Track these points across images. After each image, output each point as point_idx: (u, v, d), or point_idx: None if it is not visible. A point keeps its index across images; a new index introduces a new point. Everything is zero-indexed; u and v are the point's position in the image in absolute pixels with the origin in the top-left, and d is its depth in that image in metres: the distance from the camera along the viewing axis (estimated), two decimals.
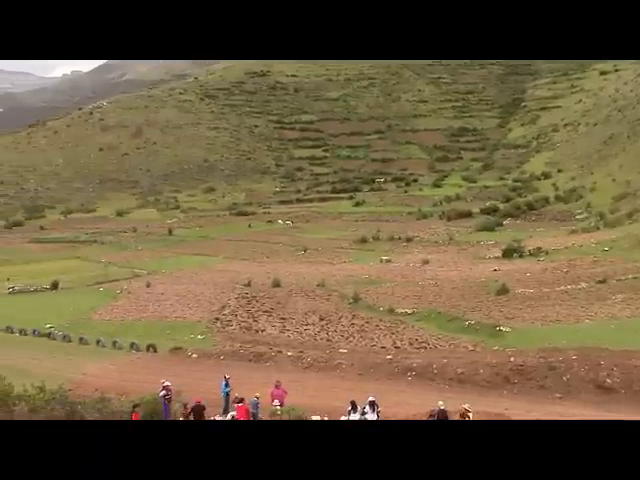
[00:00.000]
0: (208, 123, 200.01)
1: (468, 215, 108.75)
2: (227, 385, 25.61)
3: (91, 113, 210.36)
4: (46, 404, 12.39)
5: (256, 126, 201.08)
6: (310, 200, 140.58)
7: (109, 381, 33.11)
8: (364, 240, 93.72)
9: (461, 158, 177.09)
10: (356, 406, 23.94)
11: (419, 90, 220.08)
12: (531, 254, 71.44)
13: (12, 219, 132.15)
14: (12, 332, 48.04)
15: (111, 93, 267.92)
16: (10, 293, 63.81)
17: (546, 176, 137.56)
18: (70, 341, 45.09)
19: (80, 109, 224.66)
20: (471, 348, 38.76)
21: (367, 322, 46.78)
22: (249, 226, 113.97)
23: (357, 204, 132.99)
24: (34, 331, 47.40)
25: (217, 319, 49.51)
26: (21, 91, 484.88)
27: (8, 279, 69.57)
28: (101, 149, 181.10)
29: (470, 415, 16.65)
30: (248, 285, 61.40)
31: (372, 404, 23.88)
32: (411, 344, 40.89)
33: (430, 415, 17.76)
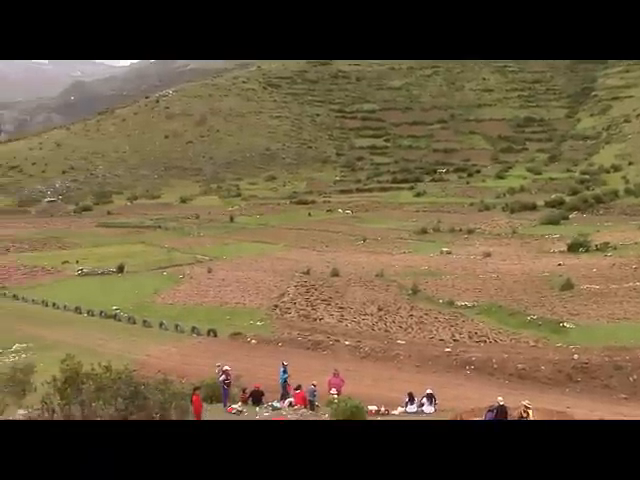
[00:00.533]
0: (270, 112, 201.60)
1: (532, 208, 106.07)
2: (285, 372, 25.91)
3: (157, 101, 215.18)
4: (112, 383, 12.80)
5: (317, 115, 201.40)
6: (370, 190, 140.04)
7: (171, 363, 34.02)
8: (424, 231, 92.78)
9: (526, 149, 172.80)
10: (413, 398, 23.85)
11: (484, 79, 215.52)
12: (598, 249, 69.11)
13: (82, 204, 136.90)
14: (81, 313, 49.95)
15: (177, 82, 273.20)
16: (79, 275, 66.22)
17: (616, 169, 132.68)
18: (134, 323, 46.49)
19: (147, 97, 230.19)
20: (532, 344, 37.90)
21: (426, 314, 46.37)
22: (309, 215, 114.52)
23: (418, 194, 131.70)
24: (101, 312, 49.13)
25: (276, 306, 50.04)
26: (91, 80, 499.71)
27: (77, 262, 72.20)
28: (166, 137, 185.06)
29: (530, 412, 16.30)
30: (307, 273, 61.78)
31: (430, 397, 23.75)
32: (470, 337, 40.31)
33: (489, 410, 17.47)
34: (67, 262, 72.53)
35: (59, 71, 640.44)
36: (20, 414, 17.60)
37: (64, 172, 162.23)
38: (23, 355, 37.32)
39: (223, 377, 23.37)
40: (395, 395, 26.01)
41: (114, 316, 48.53)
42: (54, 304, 52.46)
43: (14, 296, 56.48)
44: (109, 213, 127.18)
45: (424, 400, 23.64)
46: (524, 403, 16.70)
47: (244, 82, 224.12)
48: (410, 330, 42.62)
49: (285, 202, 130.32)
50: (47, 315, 49.87)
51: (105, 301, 52.35)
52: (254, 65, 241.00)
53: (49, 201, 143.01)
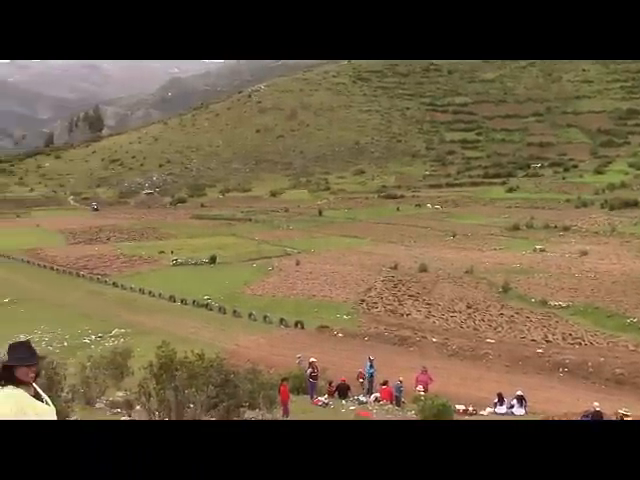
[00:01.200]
0: (360, 105, 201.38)
1: (634, 205, 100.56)
2: (371, 366, 25.93)
3: (249, 96, 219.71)
4: (204, 371, 13.22)
5: (408, 108, 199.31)
6: (461, 185, 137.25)
7: (260, 353, 34.77)
8: (516, 227, 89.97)
9: (628, 143, 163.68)
10: (503, 399, 23.26)
11: (583, 70, 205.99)
12: None
13: (177, 196, 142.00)
14: (174, 301, 51.84)
15: (268, 77, 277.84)
16: (174, 265, 68.72)
17: None
18: (225, 313, 47.77)
19: (240, 92, 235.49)
20: (632, 348, 36.03)
21: (517, 313, 45.02)
22: (397, 209, 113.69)
23: (510, 190, 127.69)
24: (193, 301, 50.79)
25: (363, 300, 50.06)
26: (187, 76, 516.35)
27: (172, 252, 74.93)
28: (258, 131, 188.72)
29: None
30: (394, 268, 61.40)
31: (520, 399, 23.07)
32: (564, 339, 38.80)
33: (583, 416, 16.78)
34: (163, 252, 75.35)
35: (157, 68, 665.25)
36: (119, 396, 18.53)
37: (161, 165, 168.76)
38: (122, 340, 39.21)
39: (310, 370, 23.65)
40: (483, 395, 25.47)
41: (206, 305, 50.04)
42: (150, 292, 54.70)
43: (114, 283, 59.33)
44: (202, 205, 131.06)
45: (514, 401, 23.01)
46: (622, 411, 15.93)
47: (334, 76, 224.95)
48: (500, 329, 41.53)
49: (373, 196, 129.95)
50: (144, 302, 52.11)
51: (197, 291, 54.03)
52: (345, 59, 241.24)
53: (147, 193, 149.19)
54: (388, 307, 48.11)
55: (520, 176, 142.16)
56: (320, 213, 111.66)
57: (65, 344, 38.63)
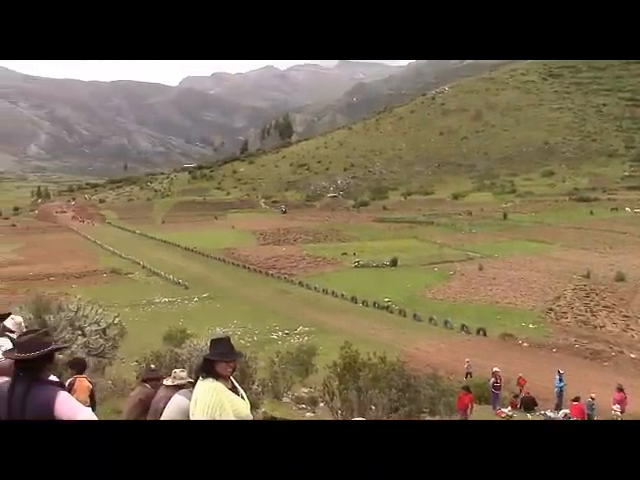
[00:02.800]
0: (550, 103, 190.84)
1: None
2: (561, 380, 24.48)
3: (433, 98, 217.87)
4: (387, 374, 13.34)
5: (604, 105, 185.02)
6: None
7: (440, 358, 34.35)
8: None
9: None
10: None
11: None
12: None
13: (360, 199, 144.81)
14: (356, 302, 52.94)
15: (452, 78, 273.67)
16: (356, 267, 70.20)
17: None
18: (405, 316, 47.83)
19: (423, 95, 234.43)
20: None
21: None
22: (590, 213, 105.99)
23: None
24: (374, 303, 51.49)
25: (551, 309, 47.41)
26: (371, 81, 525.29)
27: (354, 254, 76.58)
28: (441, 133, 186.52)
29: None
30: (587, 277, 57.37)
31: None
32: None
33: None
34: (345, 254, 77.23)
35: (343, 74, 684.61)
36: (304, 392, 19.33)
37: (345, 169, 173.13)
38: (306, 337, 40.87)
39: (493, 379, 22.88)
40: None
41: (386, 308, 50.47)
42: (333, 292, 56.36)
43: (299, 283, 61.98)
44: (385, 208, 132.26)
45: None
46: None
47: (523, 74, 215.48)
48: None
49: (564, 199, 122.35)
50: (327, 302, 53.83)
51: (378, 293, 54.65)
52: None
53: (331, 196, 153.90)
54: (579, 318, 45.07)
55: None
56: (505, 216, 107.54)
57: (255, 339, 41.14)
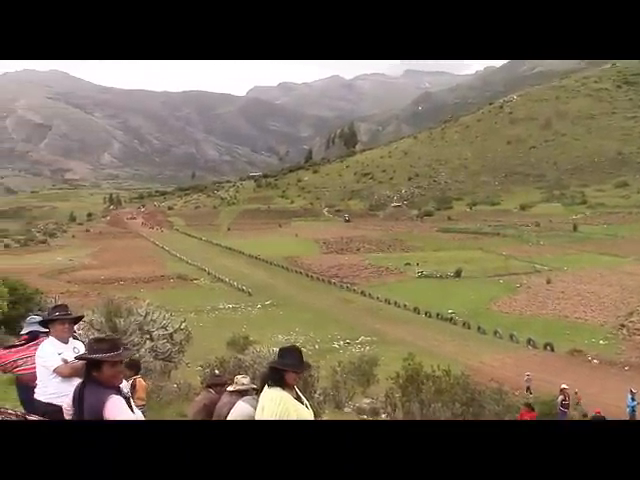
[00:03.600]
0: (624, 112, 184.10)
1: None
2: (633, 399, 23.50)
3: (501, 107, 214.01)
4: (450, 387, 13.11)
5: None
6: None
7: (505, 373, 33.52)
8: None
9: None
10: None
11: None
12: None
13: (424, 209, 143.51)
14: (419, 313, 52.38)
15: (521, 86, 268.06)
16: (419, 277, 69.52)
17: None
18: (469, 328, 46.98)
19: (490, 104, 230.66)
20: None
21: None
22: None
23: None
24: (437, 315, 50.80)
25: (623, 325, 45.57)
26: (437, 90, 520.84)
27: (418, 264, 75.83)
28: (509, 142, 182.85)
29: None
30: None
31: None
32: None
33: None
34: (409, 264, 76.60)
35: (409, 83, 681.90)
36: (365, 402, 19.21)
37: (409, 179, 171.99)
38: (367, 347, 40.67)
39: (561, 397, 22.16)
40: None
41: (450, 319, 49.72)
42: (395, 302, 55.96)
43: (362, 292, 61.84)
44: (449, 218, 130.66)
45: None
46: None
47: (595, 82, 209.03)
48: None
49: (638, 211, 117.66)
50: (389, 312, 53.48)
51: (442, 304, 53.91)
52: (608, 63, 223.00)
53: (395, 206, 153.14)
54: None
55: None
56: (575, 228, 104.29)
57: (316, 347, 41.24)
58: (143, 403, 8.14)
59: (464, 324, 47.86)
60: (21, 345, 6.29)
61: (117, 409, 3.94)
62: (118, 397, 4.02)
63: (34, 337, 6.26)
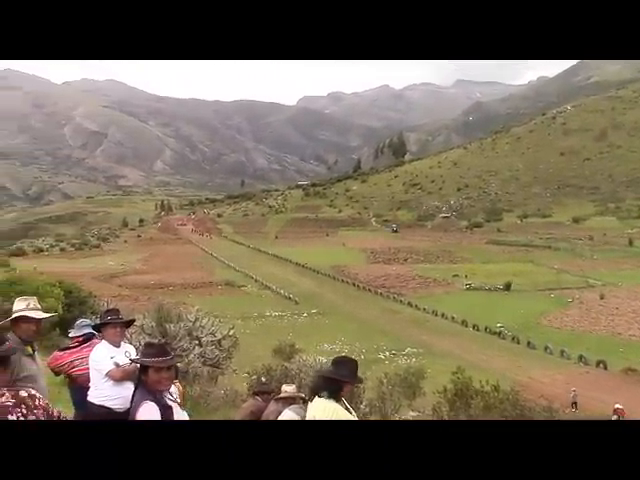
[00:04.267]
0: None
1: None
2: None
3: (554, 118, 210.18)
4: (499, 403, 12.83)
5: None
6: None
7: (555, 390, 32.68)
8: None
9: None
10: None
11: None
12: None
13: (473, 220, 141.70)
14: (466, 326, 51.61)
15: (576, 97, 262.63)
16: (467, 289, 68.58)
17: None
18: (518, 343, 46.06)
19: (543, 114, 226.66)
20: None
21: None
22: None
23: None
24: (485, 328, 49.96)
25: None
26: (489, 100, 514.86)
27: (466, 276, 74.85)
28: (562, 154, 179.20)
29: None
30: None
31: None
32: None
33: None
34: (457, 276, 75.71)
35: (459, 93, 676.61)
36: (411, 415, 19.00)
37: (459, 189, 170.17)
38: (413, 359, 40.28)
39: (615, 417, 21.48)
40: None
41: (498, 333, 48.86)
42: (443, 314, 55.32)
43: (408, 303, 61.35)
44: (499, 230, 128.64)
45: None
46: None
47: None
48: None
49: None
50: (436, 324, 52.89)
51: (490, 317, 53.03)
52: None
53: (443, 217, 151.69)
54: None
55: None
56: (631, 243, 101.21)
57: (362, 357, 41.00)
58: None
59: (513, 338, 46.96)
60: (75, 347, 6.44)
61: (147, 415, 4.00)
62: (152, 404, 4.06)
63: (88, 339, 6.41)
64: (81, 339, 6.47)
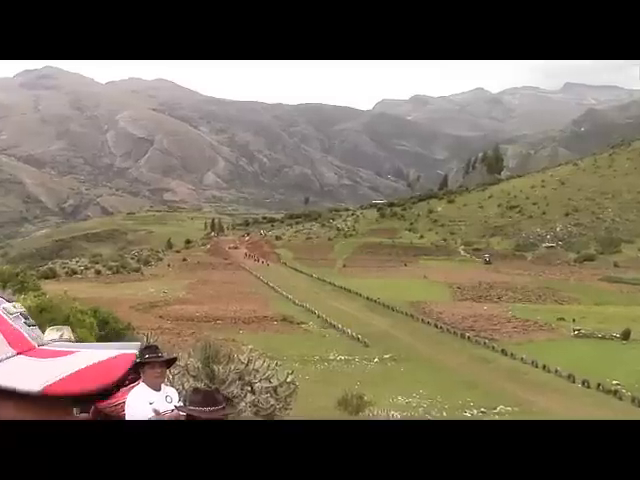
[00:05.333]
0: None
1: None
2: None
3: None
4: None
5: None
6: None
7: None
8: None
9: None
10: None
11: None
12: None
13: (584, 252, 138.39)
14: (574, 381, 50.13)
15: None
16: (575, 336, 66.73)
17: None
18: (639, 405, 44.41)
19: None
20: None
21: None
22: None
23: None
24: (598, 385, 48.39)
25: None
26: (605, 107, 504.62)
27: (574, 320, 72.89)
28: None
29: None
30: None
31: None
32: None
33: None
34: (562, 319, 73.96)
35: (568, 99, 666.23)
36: None
37: (567, 214, 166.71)
38: (507, 417, 39.33)
39: None
40: None
41: (614, 392, 47.30)
42: (544, 367, 54.00)
43: (502, 351, 60.19)
44: (616, 265, 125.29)
45: None
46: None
47: None
48: None
49: None
50: (536, 378, 51.61)
51: (604, 372, 51.41)
52: None
53: (547, 247, 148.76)
54: None
55: None
56: None
57: (444, 414, 40.42)
58: None
59: (633, 400, 45.32)
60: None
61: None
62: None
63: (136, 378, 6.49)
64: (132, 378, 6.57)
